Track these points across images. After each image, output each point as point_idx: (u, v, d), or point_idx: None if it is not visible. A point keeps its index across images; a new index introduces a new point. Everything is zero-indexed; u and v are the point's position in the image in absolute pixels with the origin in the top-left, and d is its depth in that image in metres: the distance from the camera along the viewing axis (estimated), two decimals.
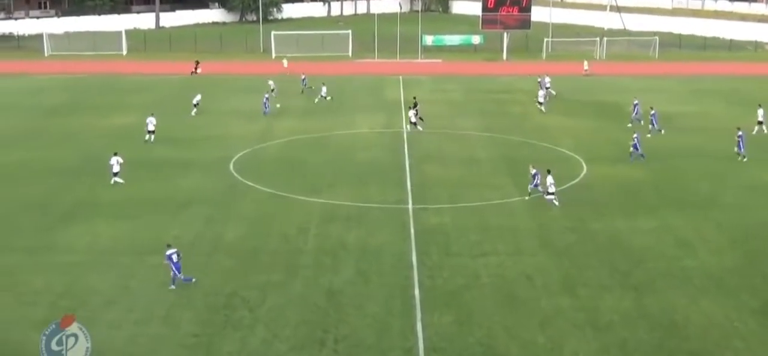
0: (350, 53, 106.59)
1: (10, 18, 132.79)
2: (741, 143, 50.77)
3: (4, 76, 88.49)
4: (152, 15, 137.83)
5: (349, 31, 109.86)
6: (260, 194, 43.88)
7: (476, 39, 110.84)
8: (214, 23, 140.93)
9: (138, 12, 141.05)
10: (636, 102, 61.77)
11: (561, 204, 41.24)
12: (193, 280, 31.74)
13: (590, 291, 31.46)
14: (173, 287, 31.35)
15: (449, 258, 34.58)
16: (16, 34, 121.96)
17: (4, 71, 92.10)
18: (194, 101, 65.82)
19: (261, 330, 28.15)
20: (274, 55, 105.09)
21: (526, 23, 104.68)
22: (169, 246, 32.25)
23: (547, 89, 73.14)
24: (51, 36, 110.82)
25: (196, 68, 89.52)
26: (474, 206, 41.76)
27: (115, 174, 45.34)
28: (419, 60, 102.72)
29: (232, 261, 34.30)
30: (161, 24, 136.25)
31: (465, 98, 74.72)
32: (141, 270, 33.30)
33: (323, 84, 72.48)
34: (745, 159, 50.08)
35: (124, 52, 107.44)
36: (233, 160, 50.62)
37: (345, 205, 41.67)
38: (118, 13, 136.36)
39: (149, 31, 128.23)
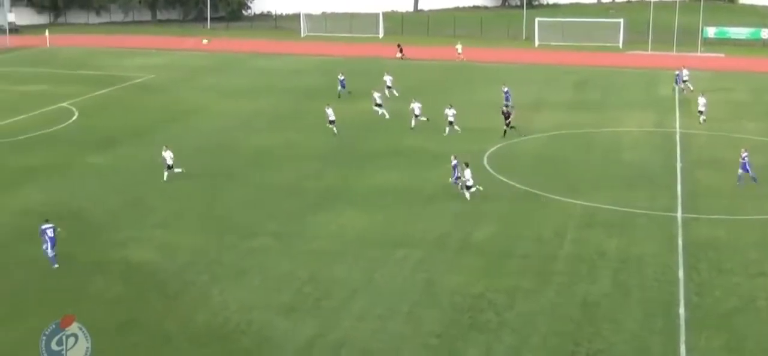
0: (621, 44, 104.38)
1: None
2: None
3: (261, 56, 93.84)
4: None
5: (621, 20, 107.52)
6: (514, 192, 44.00)
7: (766, 33, 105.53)
8: (475, 7, 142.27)
9: None
10: None
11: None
12: (55, 266, 33.50)
13: None
14: (56, 266, 33.54)
15: (721, 276, 33.23)
16: (273, 13, 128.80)
17: (262, 51, 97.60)
18: (428, 119, 60.13)
19: (508, 336, 28.27)
20: (537, 43, 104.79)
21: None
22: (46, 221, 34.11)
23: (684, 82, 68.85)
24: (308, 16, 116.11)
25: (400, 52, 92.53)
26: (754, 219, 39.87)
27: (170, 168, 45.33)
28: (698, 54, 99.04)
29: (480, 261, 34.63)
30: (420, 7, 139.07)
31: (750, 99, 71.30)
32: (387, 263, 34.31)
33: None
34: None
35: (381, 35, 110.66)
36: (487, 153, 51.04)
37: (606, 209, 40.99)
38: None
39: (407, 14, 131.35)
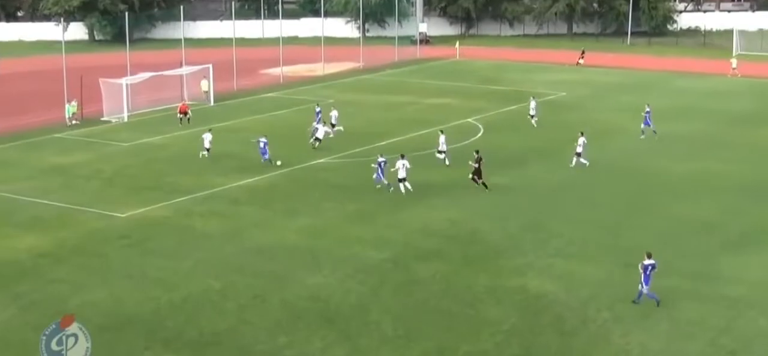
0: None
1: (698, 10, 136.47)
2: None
3: (686, 75, 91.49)
4: None
5: None
6: None
7: None
8: None
9: None
10: None
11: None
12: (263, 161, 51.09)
13: None
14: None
15: None
16: (702, 28, 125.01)
17: (687, 69, 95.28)
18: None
19: None
20: None
21: None
22: (262, 136, 54.04)
23: None
24: (742, 33, 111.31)
25: (582, 56, 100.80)
26: None
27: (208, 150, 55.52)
28: None
29: None
30: None
31: None
32: None
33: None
34: None
35: None
36: None
37: None
38: None
39: None
